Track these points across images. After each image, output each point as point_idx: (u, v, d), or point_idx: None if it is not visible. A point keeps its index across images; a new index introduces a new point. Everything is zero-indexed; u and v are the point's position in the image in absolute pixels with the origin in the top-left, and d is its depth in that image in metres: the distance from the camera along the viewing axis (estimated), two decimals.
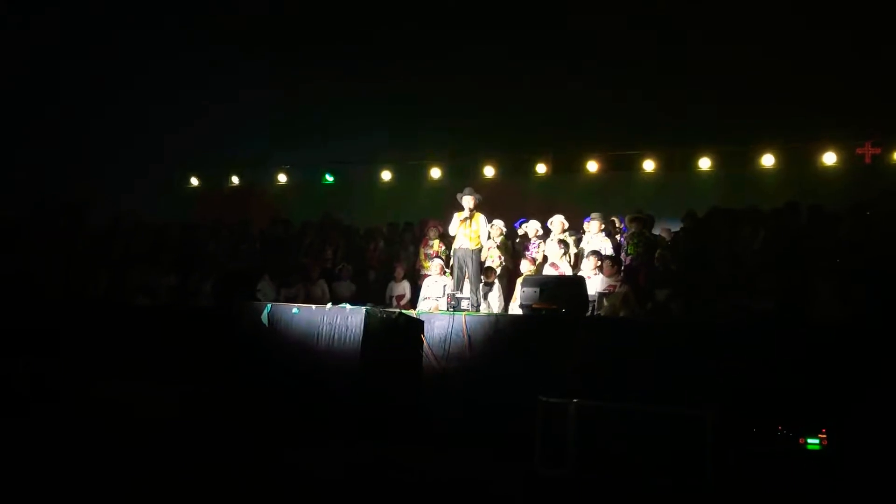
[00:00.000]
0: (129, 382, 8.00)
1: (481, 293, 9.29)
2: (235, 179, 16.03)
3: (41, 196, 12.42)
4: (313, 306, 8.01)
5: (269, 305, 8.08)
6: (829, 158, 12.21)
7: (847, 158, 12.21)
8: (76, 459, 6.13)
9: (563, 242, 9.59)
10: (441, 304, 9.34)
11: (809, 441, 6.28)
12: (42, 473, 5.68)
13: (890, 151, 11.98)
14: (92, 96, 14.80)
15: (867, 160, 12.08)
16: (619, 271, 8.86)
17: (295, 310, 7.91)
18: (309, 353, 7.56)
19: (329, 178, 15.41)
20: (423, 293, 9.82)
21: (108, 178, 14.65)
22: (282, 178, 15.67)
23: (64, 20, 14.14)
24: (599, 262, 9.16)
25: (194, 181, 16.28)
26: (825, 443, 6.26)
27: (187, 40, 14.09)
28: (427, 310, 8.99)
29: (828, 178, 12.17)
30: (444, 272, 9.81)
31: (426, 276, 10.08)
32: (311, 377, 7.43)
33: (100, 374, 8.35)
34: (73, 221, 11.72)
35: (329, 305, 7.91)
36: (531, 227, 10.40)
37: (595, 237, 9.97)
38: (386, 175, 14.96)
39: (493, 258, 10.00)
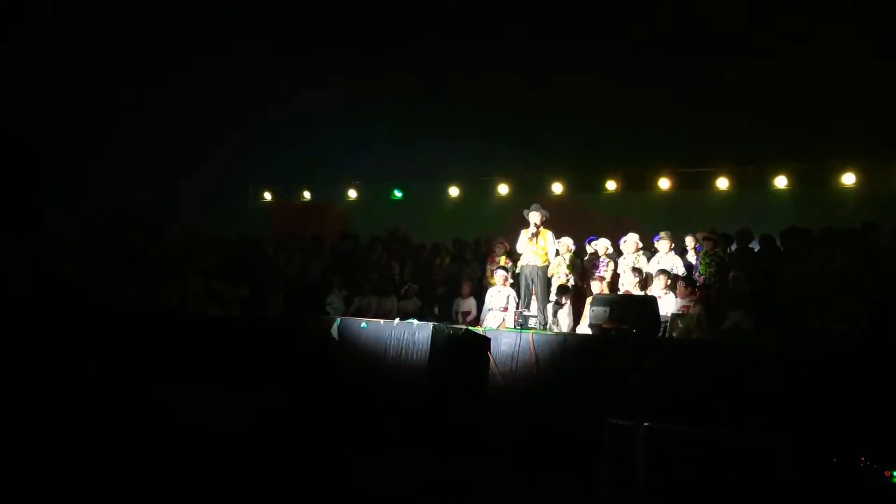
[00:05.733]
0: (201, 391, 8.17)
1: (549, 311, 9.20)
2: (307, 195, 16.36)
3: (116, 209, 12.79)
4: (381, 321, 8.09)
5: (339, 319, 8.19)
6: None
7: None
8: (150, 466, 6.30)
9: (637, 271, 9.41)
10: (506, 317, 9.30)
11: None
12: (117, 478, 5.85)
13: None
14: (168, 110, 15.30)
15: None
16: (692, 292, 8.66)
17: (363, 324, 8.00)
18: (377, 367, 7.64)
19: (398, 194, 15.55)
20: (486, 303, 9.80)
21: (182, 192, 15.12)
22: (352, 193, 15.91)
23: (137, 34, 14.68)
24: (669, 281, 8.98)
25: (267, 196, 16.68)
26: None
27: (260, 57, 14.49)
28: (494, 327, 8.96)
29: None
30: (508, 283, 9.76)
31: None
32: (380, 391, 7.50)
33: (174, 383, 8.55)
34: (148, 234, 12.04)
35: (397, 321, 7.97)
36: (601, 245, 10.27)
37: (665, 256, 9.77)
38: (454, 191, 15.03)
39: (560, 275, 9.90)
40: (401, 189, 15.53)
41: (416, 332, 7.59)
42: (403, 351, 7.57)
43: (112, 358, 8.95)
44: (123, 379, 8.64)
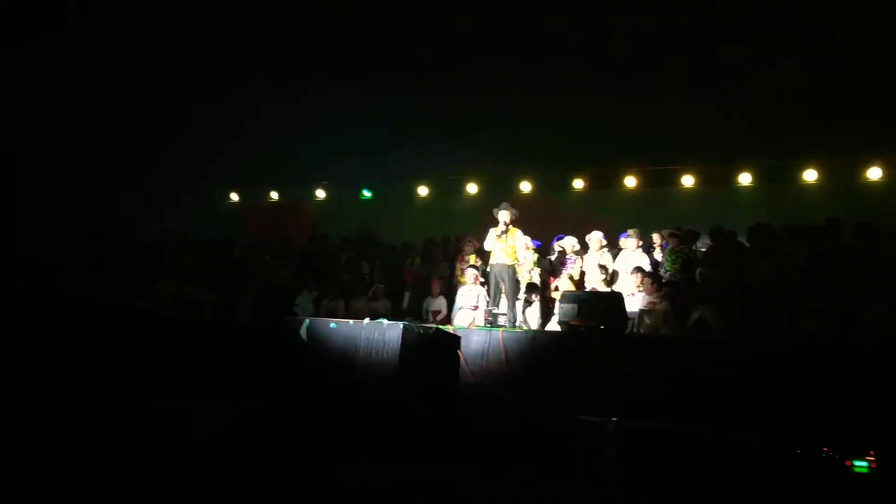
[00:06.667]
0: (172, 397, 8.08)
1: (518, 309, 9.25)
2: (275, 195, 16.24)
3: (87, 214, 12.62)
4: (351, 321, 8.07)
5: (308, 320, 8.16)
6: (874, 174, 11.95)
7: (893, 174, 11.93)
8: (130, 473, 6.23)
9: (602, 267, 9.50)
10: (476, 315, 9.33)
11: (857, 463, 6.11)
12: (97, 486, 5.77)
13: None
14: (137, 114, 15.12)
15: None
16: (659, 288, 8.76)
17: (333, 324, 7.98)
18: (347, 367, 7.63)
19: (367, 194, 15.51)
20: (457, 302, 9.83)
21: (150, 195, 14.94)
22: (320, 193, 15.83)
23: (100, 37, 14.47)
24: (644, 279, 9.06)
25: (234, 197, 16.52)
26: (874, 465, 6.08)
27: (223, 55, 14.36)
28: (464, 325, 8.98)
29: (873, 194, 11.89)
30: (479, 281, 9.80)
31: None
32: (350, 391, 7.49)
33: (146, 388, 8.43)
34: (119, 238, 11.89)
35: (367, 320, 7.96)
36: (567, 243, 10.35)
37: (632, 254, 9.87)
38: (423, 190, 15.04)
39: (523, 273, 9.95)
40: (370, 189, 15.50)
41: (386, 332, 7.61)
42: (374, 350, 7.58)
43: (89, 363, 8.82)
44: (101, 384, 8.50)
